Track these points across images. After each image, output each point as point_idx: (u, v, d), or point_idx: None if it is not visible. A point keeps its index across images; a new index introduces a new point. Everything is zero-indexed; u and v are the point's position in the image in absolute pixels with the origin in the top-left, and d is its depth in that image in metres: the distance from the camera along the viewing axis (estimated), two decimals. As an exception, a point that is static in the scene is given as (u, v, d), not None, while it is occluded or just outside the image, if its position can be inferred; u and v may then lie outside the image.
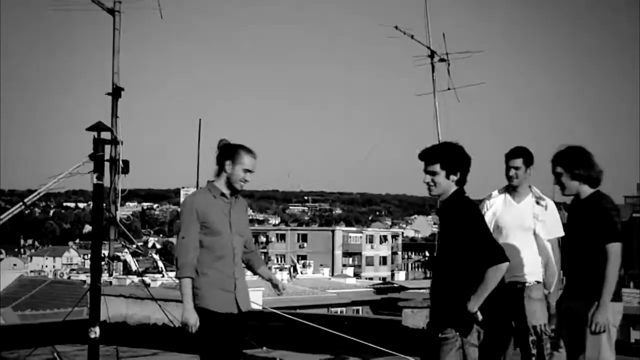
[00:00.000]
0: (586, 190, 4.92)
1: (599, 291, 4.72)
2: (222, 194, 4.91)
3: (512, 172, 5.70)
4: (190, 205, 4.85)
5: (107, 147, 7.73)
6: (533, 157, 5.77)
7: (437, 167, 4.51)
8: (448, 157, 4.52)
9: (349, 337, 8.23)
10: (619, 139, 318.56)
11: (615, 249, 4.73)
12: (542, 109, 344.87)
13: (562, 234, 5.66)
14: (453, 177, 4.51)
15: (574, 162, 4.91)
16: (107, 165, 7.66)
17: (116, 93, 8.90)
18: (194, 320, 4.75)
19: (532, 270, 5.72)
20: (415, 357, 7.30)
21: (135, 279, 10.61)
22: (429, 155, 4.56)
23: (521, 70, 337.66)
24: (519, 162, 5.69)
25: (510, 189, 5.78)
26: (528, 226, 5.74)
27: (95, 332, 6.94)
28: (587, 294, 4.81)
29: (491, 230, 5.11)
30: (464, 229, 4.41)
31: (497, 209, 5.77)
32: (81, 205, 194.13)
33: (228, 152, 4.91)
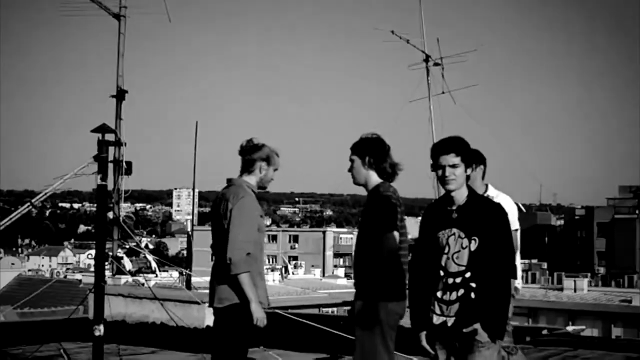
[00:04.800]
0: (374, 180, 4.71)
1: (376, 289, 4.50)
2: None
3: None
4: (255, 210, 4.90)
5: (110, 149, 7.82)
6: (480, 156, 5.64)
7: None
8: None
9: (345, 335, 8.33)
10: (616, 140, 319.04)
11: (388, 241, 4.50)
12: (539, 108, 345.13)
13: (515, 227, 5.45)
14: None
15: (368, 151, 4.71)
16: (110, 166, 7.75)
17: (120, 95, 8.97)
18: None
19: None
20: (409, 356, 7.41)
21: (130, 278, 10.70)
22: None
23: (516, 71, 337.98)
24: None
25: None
26: None
27: (100, 330, 7.05)
28: (363, 292, 4.61)
29: None
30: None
31: None
32: (76, 205, 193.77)
33: (261, 153, 4.92)
